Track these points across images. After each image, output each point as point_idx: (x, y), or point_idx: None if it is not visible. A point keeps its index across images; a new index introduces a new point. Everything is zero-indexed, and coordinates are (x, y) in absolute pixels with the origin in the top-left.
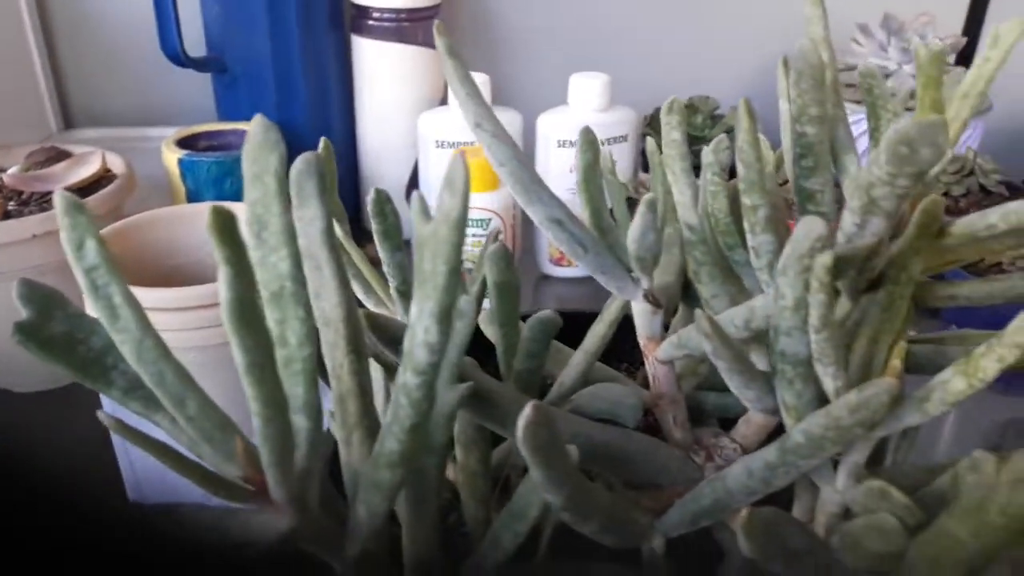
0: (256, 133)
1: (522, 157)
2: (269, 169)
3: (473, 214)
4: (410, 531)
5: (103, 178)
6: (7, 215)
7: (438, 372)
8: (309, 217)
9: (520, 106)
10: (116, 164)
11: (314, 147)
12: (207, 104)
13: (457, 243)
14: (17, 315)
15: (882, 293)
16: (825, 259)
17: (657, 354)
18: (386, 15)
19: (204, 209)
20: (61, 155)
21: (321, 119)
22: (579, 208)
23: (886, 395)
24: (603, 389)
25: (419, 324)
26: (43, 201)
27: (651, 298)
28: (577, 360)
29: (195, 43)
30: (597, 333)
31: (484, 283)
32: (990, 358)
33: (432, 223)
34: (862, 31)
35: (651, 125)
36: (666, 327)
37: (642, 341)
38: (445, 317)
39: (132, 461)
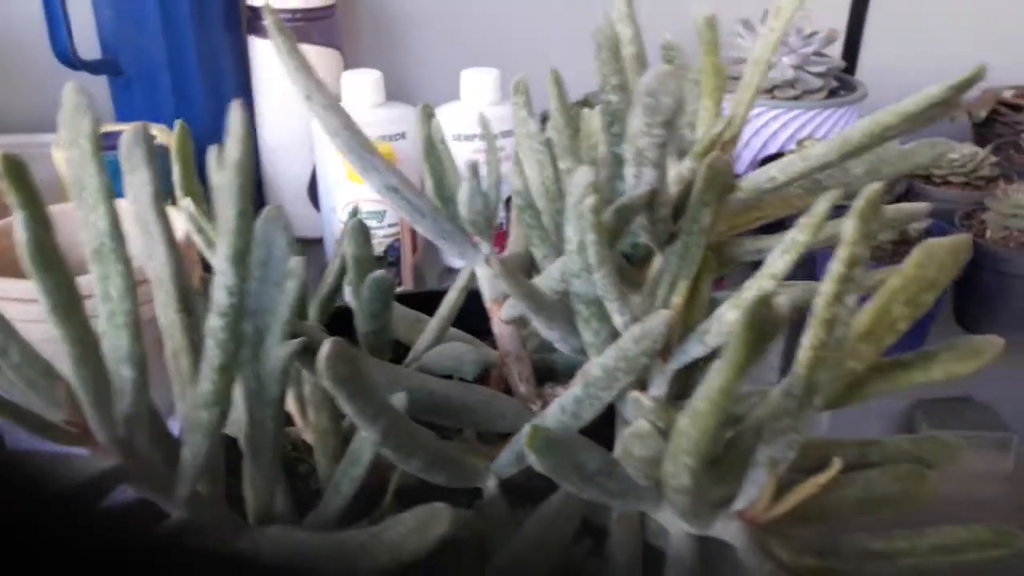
0: (69, 99)
1: (354, 127)
2: (83, 132)
3: (368, 206)
4: (252, 481)
5: None
6: None
7: (241, 314)
8: (138, 183)
9: (416, 102)
10: None
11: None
12: (105, 108)
13: (243, 186)
14: None
15: (679, 243)
16: (590, 202)
17: (500, 315)
18: (281, 15)
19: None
20: None
21: (219, 120)
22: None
23: (663, 325)
24: (448, 348)
25: (218, 268)
26: None
27: (492, 263)
28: (432, 326)
29: (92, 46)
30: (449, 300)
31: (343, 259)
32: (752, 289)
33: (221, 172)
34: (744, 26)
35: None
36: None
37: (487, 303)
38: (238, 259)
39: None
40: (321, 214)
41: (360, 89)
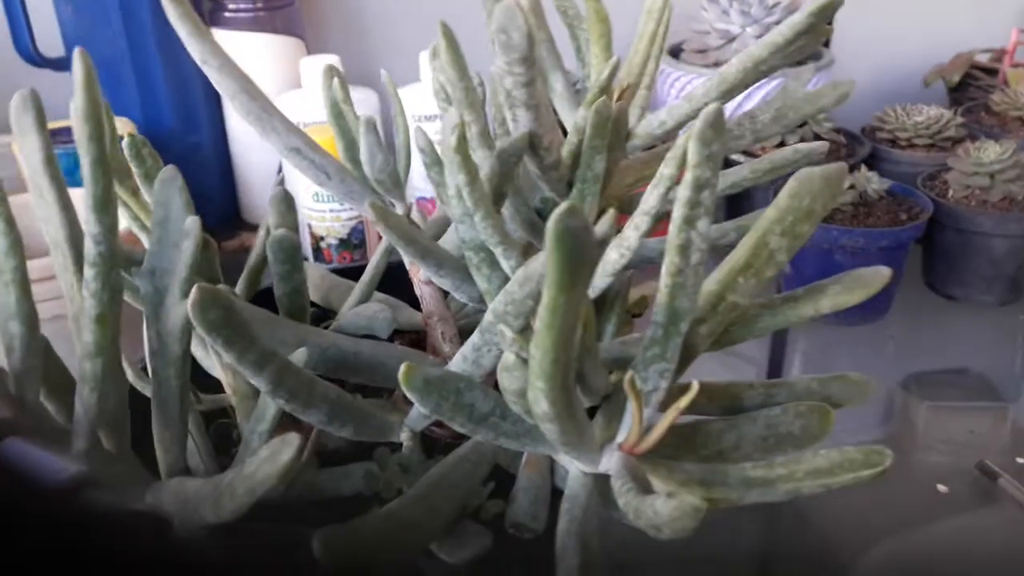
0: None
1: (252, 89)
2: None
3: None
4: (160, 438)
5: None
6: None
7: (110, 263)
8: (29, 148)
9: (380, 87)
10: None
11: (181, 142)
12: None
13: (91, 135)
14: None
15: (575, 191)
16: (452, 140)
17: (420, 276)
18: (242, 6)
19: None
20: None
21: (185, 112)
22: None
23: (543, 267)
24: (362, 308)
25: (83, 219)
26: None
27: (376, 212)
28: (355, 291)
29: (54, 43)
30: (372, 264)
31: (268, 229)
32: (630, 227)
33: (74, 124)
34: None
35: None
36: None
37: (408, 265)
38: (100, 207)
39: None
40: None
41: (319, 74)
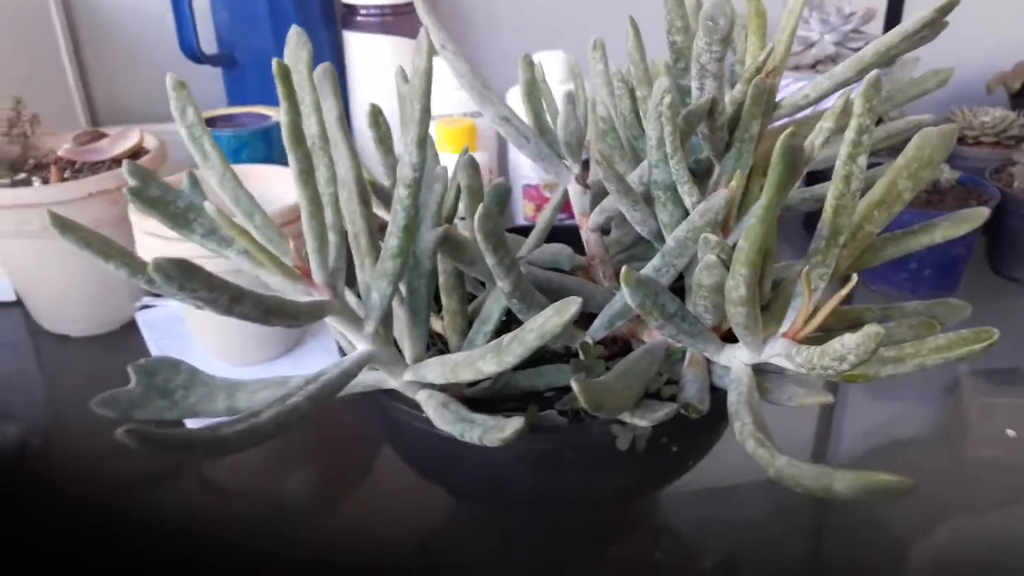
0: (291, 39)
1: (476, 71)
2: (302, 60)
3: None
4: (409, 335)
5: (139, 152)
6: (64, 180)
7: (420, 187)
8: (328, 108)
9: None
10: (149, 141)
11: None
12: (218, 98)
13: (427, 89)
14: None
15: (734, 150)
16: (668, 99)
17: (588, 224)
18: (372, 11)
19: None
20: (103, 136)
21: None
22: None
23: (723, 200)
24: (547, 247)
25: (405, 151)
26: (91, 171)
27: (580, 180)
28: (533, 234)
29: (207, 42)
30: (544, 216)
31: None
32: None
33: (410, 81)
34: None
35: None
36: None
37: (577, 216)
38: (422, 143)
39: None
40: None
41: (443, 72)
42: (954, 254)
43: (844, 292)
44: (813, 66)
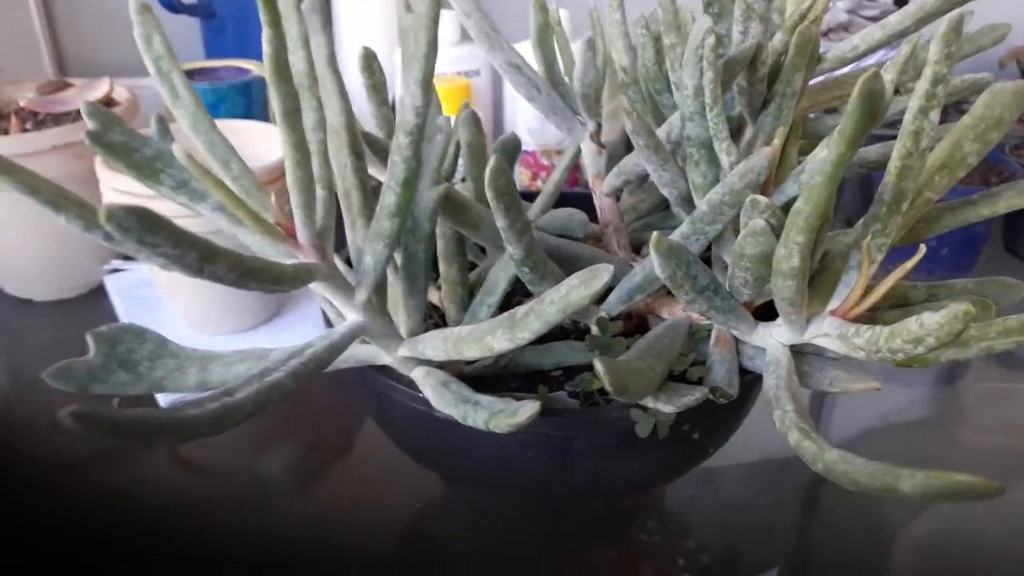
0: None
1: (484, 11)
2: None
3: None
4: (405, 305)
5: (109, 104)
6: (25, 131)
7: (423, 135)
8: (316, 45)
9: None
10: (120, 93)
11: None
12: (195, 50)
13: (433, 20)
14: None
15: (773, 105)
16: (711, 40)
17: (603, 188)
18: None
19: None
20: (68, 86)
21: None
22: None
23: (765, 159)
24: (559, 211)
25: (407, 92)
26: (56, 123)
27: (595, 138)
28: (542, 196)
29: None
30: (554, 178)
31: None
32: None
33: (414, 10)
34: None
35: None
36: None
37: (590, 179)
38: (427, 84)
39: None
40: None
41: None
42: (975, 232)
43: (910, 264)
44: (825, 34)
